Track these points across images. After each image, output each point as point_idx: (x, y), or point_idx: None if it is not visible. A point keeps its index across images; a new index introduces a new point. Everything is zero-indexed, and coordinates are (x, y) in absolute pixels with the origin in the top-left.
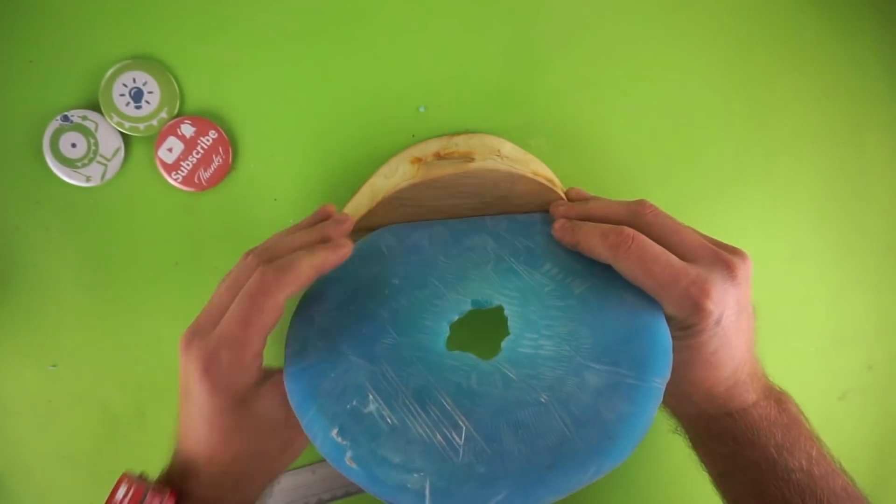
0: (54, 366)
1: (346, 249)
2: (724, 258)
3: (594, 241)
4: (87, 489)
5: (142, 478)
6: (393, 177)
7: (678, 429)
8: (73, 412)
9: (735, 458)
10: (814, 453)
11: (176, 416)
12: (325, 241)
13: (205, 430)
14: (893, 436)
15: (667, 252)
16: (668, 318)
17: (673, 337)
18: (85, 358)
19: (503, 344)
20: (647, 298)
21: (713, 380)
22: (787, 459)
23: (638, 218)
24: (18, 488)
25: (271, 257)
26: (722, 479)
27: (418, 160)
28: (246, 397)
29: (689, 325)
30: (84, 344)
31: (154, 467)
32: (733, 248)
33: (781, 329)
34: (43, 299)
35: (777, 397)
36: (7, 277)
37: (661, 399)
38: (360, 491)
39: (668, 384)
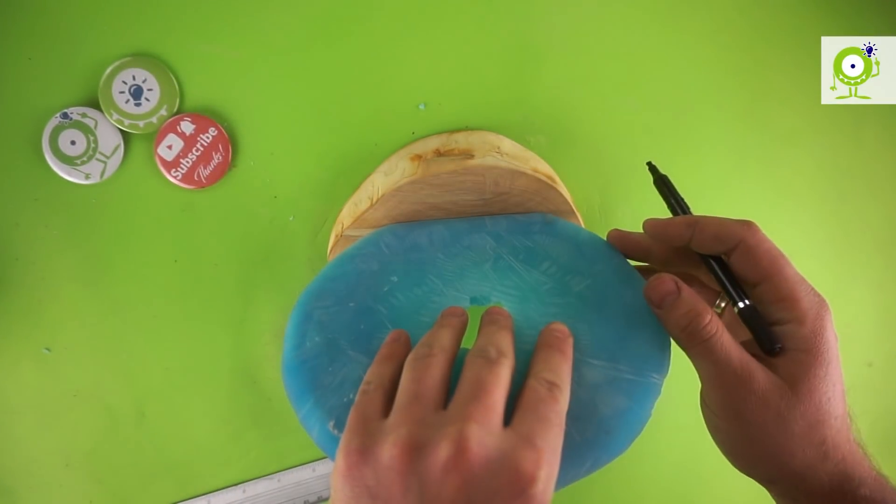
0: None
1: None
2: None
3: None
4: (87, 489)
5: None
6: (393, 174)
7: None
8: (73, 411)
9: None
10: None
11: (174, 414)
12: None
13: None
14: (893, 433)
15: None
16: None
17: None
18: (84, 356)
19: None
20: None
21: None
22: None
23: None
24: (18, 488)
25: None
26: None
27: (418, 157)
28: None
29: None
30: (83, 342)
31: (154, 467)
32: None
33: None
34: (42, 297)
35: None
36: (6, 275)
37: (659, 394)
38: None
39: None
